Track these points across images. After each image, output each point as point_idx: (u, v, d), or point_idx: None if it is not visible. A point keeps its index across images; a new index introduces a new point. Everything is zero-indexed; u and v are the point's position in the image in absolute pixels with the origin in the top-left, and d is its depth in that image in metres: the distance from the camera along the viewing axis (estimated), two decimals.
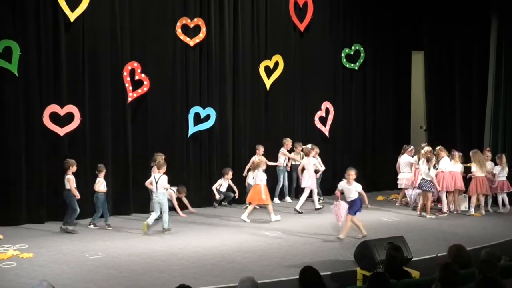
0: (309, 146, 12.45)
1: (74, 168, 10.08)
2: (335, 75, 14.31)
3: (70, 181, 9.96)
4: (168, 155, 11.47)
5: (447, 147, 12.43)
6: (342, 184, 9.76)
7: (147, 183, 10.38)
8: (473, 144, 13.39)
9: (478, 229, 10.52)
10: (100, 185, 10.36)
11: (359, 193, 9.64)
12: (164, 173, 10.12)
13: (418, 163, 12.27)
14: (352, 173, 9.70)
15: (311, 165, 12.09)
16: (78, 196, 9.99)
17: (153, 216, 10.12)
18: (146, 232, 9.88)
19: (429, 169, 11.43)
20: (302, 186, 12.11)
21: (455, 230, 10.42)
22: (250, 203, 11.20)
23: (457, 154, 12.06)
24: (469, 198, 12.03)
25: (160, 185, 10.02)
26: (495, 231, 10.29)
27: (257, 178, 11.22)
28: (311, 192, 12.04)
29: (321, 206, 12.13)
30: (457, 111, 14.32)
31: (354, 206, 9.56)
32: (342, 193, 9.72)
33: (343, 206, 9.50)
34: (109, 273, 7.73)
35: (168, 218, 10.08)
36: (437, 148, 12.13)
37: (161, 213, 10.10)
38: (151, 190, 10.37)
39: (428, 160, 11.49)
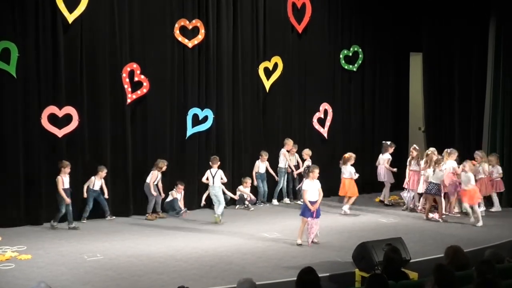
0: (388, 142, 13.04)
1: (67, 170, 10.19)
2: (333, 76, 14.29)
3: (58, 182, 10.08)
4: (167, 156, 11.54)
5: (445, 148, 12.40)
6: (307, 183, 9.37)
7: (203, 179, 11.17)
8: (471, 145, 13.37)
9: (476, 231, 10.52)
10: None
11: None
12: (219, 168, 10.90)
13: (411, 164, 12.28)
14: (316, 171, 9.43)
15: (385, 160, 12.88)
16: (66, 200, 10.08)
17: (216, 207, 10.91)
18: (218, 222, 10.76)
19: (434, 172, 11.35)
20: (381, 180, 13.00)
21: (454, 232, 10.42)
22: (349, 197, 11.96)
23: (445, 150, 12.02)
24: None
25: (216, 179, 10.82)
26: (493, 233, 10.29)
27: (346, 172, 11.97)
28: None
29: (390, 204, 12.89)
30: (456, 112, 14.27)
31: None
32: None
33: (317, 224, 9.34)
34: (108, 274, 7.73)
35: (223, 210, 10.88)
36: (427, 152, 12.07)
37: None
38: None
39: (436, 163, 11.41)
